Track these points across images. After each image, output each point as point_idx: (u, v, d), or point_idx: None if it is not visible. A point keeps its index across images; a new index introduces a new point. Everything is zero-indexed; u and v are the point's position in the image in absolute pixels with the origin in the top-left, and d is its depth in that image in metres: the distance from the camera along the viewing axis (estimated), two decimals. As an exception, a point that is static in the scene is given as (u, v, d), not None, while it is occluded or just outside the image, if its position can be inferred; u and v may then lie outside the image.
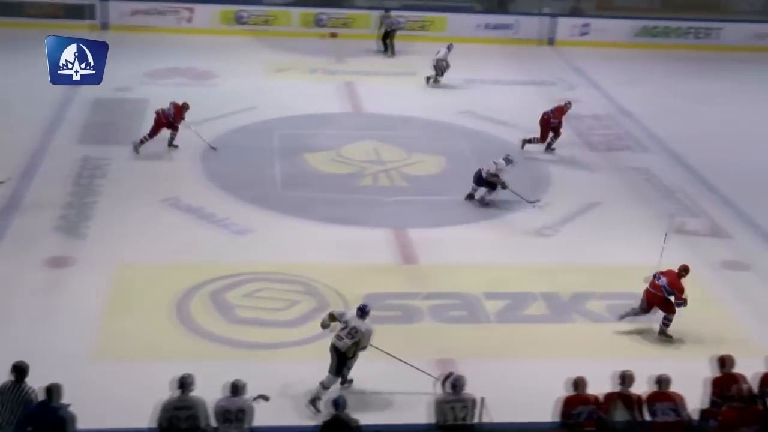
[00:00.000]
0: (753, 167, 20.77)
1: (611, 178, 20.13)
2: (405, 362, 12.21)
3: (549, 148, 21.11)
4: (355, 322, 11.96)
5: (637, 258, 15.98)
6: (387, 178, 19.40)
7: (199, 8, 30.55)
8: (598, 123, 23.75)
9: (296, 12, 31.58)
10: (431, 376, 11.89)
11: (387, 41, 29.50)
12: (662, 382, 10.42)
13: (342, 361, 11.90)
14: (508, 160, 18.09)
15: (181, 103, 19.96)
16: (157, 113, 19.87)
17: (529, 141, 20.99)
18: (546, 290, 14.94)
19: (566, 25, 32.18)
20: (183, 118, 19.95)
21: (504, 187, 17.95)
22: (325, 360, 11.77)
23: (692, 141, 22.10)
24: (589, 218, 17.93)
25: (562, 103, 21.16)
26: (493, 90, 26.27)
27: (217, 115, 21.92)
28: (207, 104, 22.12)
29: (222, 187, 18.35)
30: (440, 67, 25.90)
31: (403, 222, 17.35)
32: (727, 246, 17.10)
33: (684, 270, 13.78)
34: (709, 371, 10.99)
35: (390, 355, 12.14)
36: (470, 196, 18.22)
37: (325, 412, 10.62)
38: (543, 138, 21.00)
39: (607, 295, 14.79)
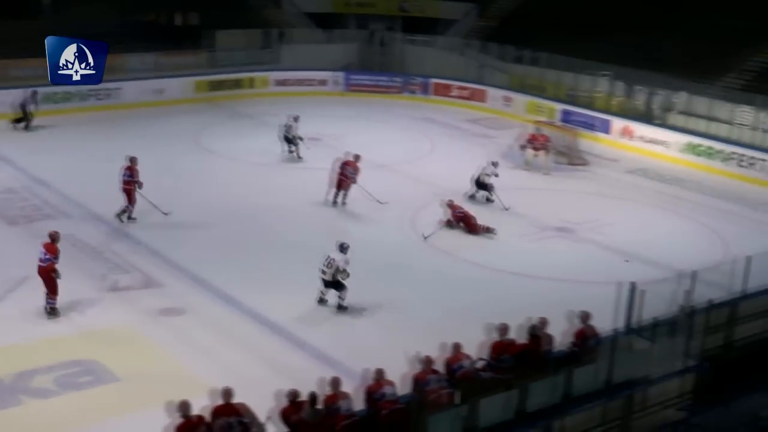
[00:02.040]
0: (175, 218, 21.76)
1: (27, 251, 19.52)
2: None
3: None
4: (333, 255, 16.67)
5: (77, 324, 15.93)
6: None
7: None
8: (14, 196, 23.10)
9: None
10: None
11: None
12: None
13: (332, 286, 16.71)
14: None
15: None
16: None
17: None
18: (-15, 377, 14.18)
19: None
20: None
21: None
22: None
23: (109, 200, 22.40)
24: (20, 294, 17.31)
25: None
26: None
27: None
28: None
29: None
30: (293, 138, 27.20)
31: None
32: (161, 294, 17.62)
33: None
34: (164, 419, 11.25)
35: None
36: None
37: None
38: None
39: (53, 367, 14.45)
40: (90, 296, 17.26)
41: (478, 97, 36.98)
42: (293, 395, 11.54)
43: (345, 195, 23.22)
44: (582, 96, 34.30)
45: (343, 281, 16.81)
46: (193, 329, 16.15)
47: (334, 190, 23.16)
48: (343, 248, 16.92)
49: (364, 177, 23.29)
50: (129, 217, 21.33)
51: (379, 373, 12.13)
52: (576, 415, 12.48)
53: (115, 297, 17.42)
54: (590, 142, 30.96)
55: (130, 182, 21.24)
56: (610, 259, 20.58)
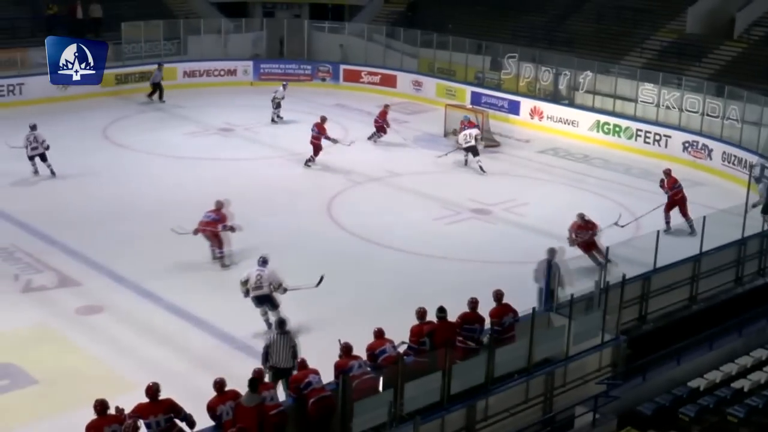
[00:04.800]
0: (88, 214, 21.43)
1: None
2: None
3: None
4: (258, 272, 15.30)
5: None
6: None
7: None
8: None
9: None
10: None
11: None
12: None
13: (270, 303, 15.44)
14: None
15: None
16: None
17: None
18: None
19: None
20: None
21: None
22: None
23: (19, 200, 21.91)
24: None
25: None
26: None
27: None
28: None
29: None
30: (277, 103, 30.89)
31: None
32: (79, 293, 17.32)
33: None
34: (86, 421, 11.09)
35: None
36: None
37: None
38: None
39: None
40: (2, 298, 16.90)
41: (388, 82, 37.05)
42: (219, 385, 11.45)
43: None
44: (490, 78, 34.65)
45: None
46: (113, 327, 15.92)
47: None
48: (265, 261, 15.75)
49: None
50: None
51: (302, 363, 12.14)
52: (499, 395, 12.68)
53: (29, 298, 17.08)
54: (501, 123, 31.34)
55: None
56: (527, 238, 20.87)
